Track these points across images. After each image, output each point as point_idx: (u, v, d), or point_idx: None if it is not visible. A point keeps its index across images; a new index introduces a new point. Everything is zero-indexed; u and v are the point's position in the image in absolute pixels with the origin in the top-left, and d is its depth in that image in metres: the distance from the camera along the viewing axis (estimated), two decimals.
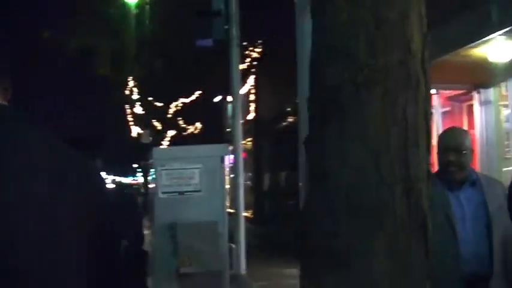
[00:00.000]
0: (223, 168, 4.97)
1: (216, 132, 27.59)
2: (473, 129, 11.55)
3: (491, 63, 8.90)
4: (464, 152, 3.35)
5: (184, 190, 4.79)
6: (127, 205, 3.66)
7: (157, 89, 25.16)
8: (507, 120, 12.01)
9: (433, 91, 9.86)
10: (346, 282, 1.82)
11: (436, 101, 11.57)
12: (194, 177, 4.84)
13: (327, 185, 1.86)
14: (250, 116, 23.64)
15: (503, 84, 11.38)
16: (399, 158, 1.82)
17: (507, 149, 11.80)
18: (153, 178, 5.46)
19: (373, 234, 1.81)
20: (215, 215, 4.79)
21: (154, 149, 5.16)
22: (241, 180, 7.47)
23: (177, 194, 4.71)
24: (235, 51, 8.29)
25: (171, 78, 22.19)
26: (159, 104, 27.97)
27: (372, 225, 1.81)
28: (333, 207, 1.84)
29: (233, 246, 5.32)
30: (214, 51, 23.33)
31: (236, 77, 8.27)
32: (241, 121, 22.16)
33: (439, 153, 3.41)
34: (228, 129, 26.91)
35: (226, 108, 27.02)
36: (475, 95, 11.53)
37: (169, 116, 28.55)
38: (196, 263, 4.54)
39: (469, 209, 3.34)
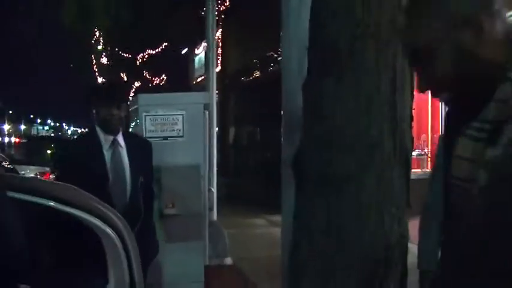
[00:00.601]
0: (205, 115, 5.21)
1: (182, 84, 27.65)
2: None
3: None
4: None
5: (168, 135, 5.02)
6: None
7: (124, 40, 24.99)
8: None
9: None
10: (337, 204, 2.13)
11: None
12: (177, 123, 5.08)
13: (324, 124, 2.15)
14: (217, 69, 23.72)
15: None
16: (388, 100, 2.13)
17: None
18: (135, 124, 5.64)
19: (364, 167, 2.12)
20: (196, 159, 5.05)
21: (140, 95, 5.33)
22: (214, 131, 7.69)
23: (161, 138, 4.93)
24: (210, 3, 8.42)
25: (138, 29, 22.05)
26: (125, 55, 27.81)
27: (363, 160, 2.12)
28: (329, 144, 2.14)
29: (212, 189, 5.60)
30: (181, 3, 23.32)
31: (211, 26, 8.40)
32: (217, 70, 22.29)
33: None
34: (194, 82, 27.02)
35: (193, 60, 27.04)
36: None
37: (135, 67, 28.43)
38: (179, 205, 4.81)
39: None
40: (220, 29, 23.28)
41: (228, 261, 6.69)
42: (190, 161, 5.00)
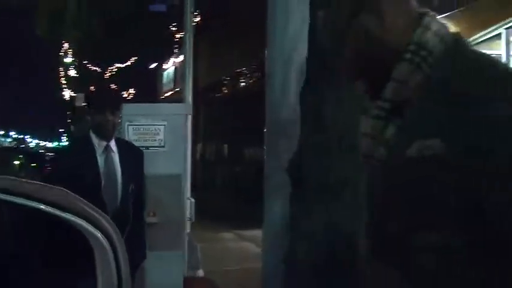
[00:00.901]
0: (186, 126, 5.29)
1: (149, 98, 27.62)
2: None
3: None
4: None
5: (150, 145, 5.08)
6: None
7: (95, 53, 24.93)
8: None
9: None
10: (336, 209, 2.23)
11: None
12: (159, 133, 5.14)
13: (324, 128, 2.26)
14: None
15: None
16: None
17: None
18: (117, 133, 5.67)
19: (361, 171, 2.22)
20: (177, 169, 5.12)
21: (124, 105, 5.38)
22: (189, 145, 7.71)
23: (143, 148, 5.00)
24: (189, 18, 8.49)
25: (108, 42, 22.05)
26: (94, 68, 27.71)
27: (361, 165, 2.22)
28: (329, 146, 2.25)
29: (192, 200, 5.66)
30: (151, 17, 23.35)
31: (189, 43, 8.46)
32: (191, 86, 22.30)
33: None
34: (162, 96, 27.00)
35: (161, 75, 27.06)
36: None
37: (103, 80, 28.33)
38: (160, 214, 4.86)
39: None
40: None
41: (200, 273, 6.73)
42: (172, 171, 5.07)
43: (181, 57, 24.12)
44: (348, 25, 1.37)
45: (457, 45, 1.36)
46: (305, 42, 3.01)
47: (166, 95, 26.11)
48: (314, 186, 2.27)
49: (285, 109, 2.61)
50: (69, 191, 2.90)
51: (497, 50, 8.53)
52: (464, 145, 1.15)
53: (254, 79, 17.77)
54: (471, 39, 7.33)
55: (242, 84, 19.01)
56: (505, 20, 7.85)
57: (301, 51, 2.92)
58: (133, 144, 4.37)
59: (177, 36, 26.17)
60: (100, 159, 3.83)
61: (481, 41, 8.56)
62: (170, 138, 5.15)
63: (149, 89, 27.86)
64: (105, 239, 3.01)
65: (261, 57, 14.65)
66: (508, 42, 7.93)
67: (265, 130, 3.20)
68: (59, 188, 3.10)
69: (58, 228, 2.99)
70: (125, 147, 4.01)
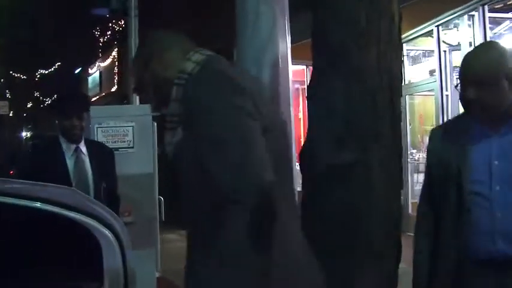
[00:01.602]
0: (154, 127, 5.42)
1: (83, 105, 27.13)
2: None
3: None
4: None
5: (119, 146, 5.20)
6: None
7: (18, 59, 24.33)
8: None
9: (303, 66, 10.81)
10: (348, 190, 2.50)
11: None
12: (128, 134, 5.26)
13: (334, 119, 2.52)
14: (113, 89, 23.57)
15: None
16: (387, 98, 2.54)
17: None
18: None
19: (370, 152, 2.51)
20: (148, 169, 5.26)
21: (92, 108, 5.45)
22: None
23: (114, 150, 5.10)
24: (133, 22, 8.58)
25: (32, 48, 21.61)
26: (17, 75, 27.01)
27: (369, 147, 2.51)
28: (339, 136, 2.51)
29: (161, 198, 5.80)
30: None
31: (134, 46, 8.54)
32: (112, 90, 21.87)
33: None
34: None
35: (86, 80, 26.67)
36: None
37: (28, 87, 27.67)
38: (135, 213, 4.99)
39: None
40: (116, 48, 23.23)
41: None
42: (143, 170, 5.21)
43: (107, 62, 23.92)
44: (144, 70, 2.04)
45: (206, 64, 1.93)
46: (275, 43, 3.26)
47: (93, 99, 25.79)
48: (326, 169, 2.52)
49: None
50: (77, 190, 3.03)
51: (429, 47, 9.10)
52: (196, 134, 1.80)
53: None
54: (404, 35, 7.78)
55: None
56: (436, 17, 8.37)
57: (272, 51, 3.16)
58: (103, 144, 4.47)
59: (102, 40, 25.97)
60: (70, 162, 3.91)
61: (414, 38, 9.10)
62: (139, 138, 5.28)
63: (84, 97, 27.40)
64: (112, 235, 3.14)
65: None
66: (439, 39, 8.47)
67: None
68: (66, 187, 3.23)
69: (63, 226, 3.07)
70: (95, 147, 4.11)
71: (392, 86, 2.56)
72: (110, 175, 4.04)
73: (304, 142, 2.73)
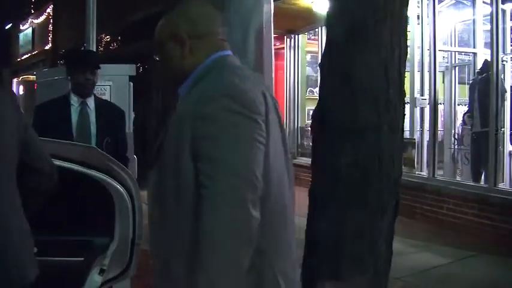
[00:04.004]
0: (130, 87, 5.54)
1: (3, 61, 26.39)
2: (283, 71, 13.04)
3: (312, 12, 10.22)
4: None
5: None
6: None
7: None
8: (309, 65, 13.73)
9: None
10: (362, 146, 2.80)
11: None
12: (105, 93, 5.38)
13: (351, 84, 2.80)
14: (47, 46, 23.02)
15: (310, 32, 12.98)
16: (397, 69, 2.84)
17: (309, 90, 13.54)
18: None
19: (382, 118, 2.81)
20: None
21: None
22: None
23: None
24: None
25: None
26: None
27: (381, 112, 2.81)
28: (355, 100, 2.80)
29: (135, 157, 5.93)
30: None
31: (91, 6, 8.44)
32: (46, 47, 21.30)
33: None
34: (19, 59, 25.85)
35: (17, 37, 25.89)
36: (286, 40, 12.97)
37: None
38: None
39: None
40: (52, 5, 22.66)
41: None
42: None
43: (40, 18, 23.28)
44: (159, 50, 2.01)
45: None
46: (260, 10, 3.50)
47: (24, 57, 25.11)
48: (341, 129, 2.81)
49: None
50: (97, 149, 3.18)
51: None
52: None
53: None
54: None
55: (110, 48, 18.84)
56: None
57: (257, 18, 3.40)
58: (114, 104, 4.61)
59: None
60: (74, 115, 4.07)
61: None
62: (116, 98, 5.40)
63: (3, 51, 26.56)
64: (125, 191, 3.29)
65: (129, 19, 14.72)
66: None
67: None
68: (88, 146, 3.36)
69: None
70: (105, 106, 4.28)
71: (400, 57, 2.87)
72: (117, 134, 4.20)
73: (316, 108, 2.99)
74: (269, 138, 1.77)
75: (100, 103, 4.23)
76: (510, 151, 8.54)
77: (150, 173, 1.92)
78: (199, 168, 1.69)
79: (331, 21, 2.92)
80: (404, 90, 2.94)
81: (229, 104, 1.70)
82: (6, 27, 26.34)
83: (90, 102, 4.13)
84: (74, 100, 4.08)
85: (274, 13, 3.48)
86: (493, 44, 7.58)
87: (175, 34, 1.93)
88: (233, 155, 1.67)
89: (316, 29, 11.93)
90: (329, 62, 2.91)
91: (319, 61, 3.01)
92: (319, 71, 3.02)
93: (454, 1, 9.91)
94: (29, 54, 24.55)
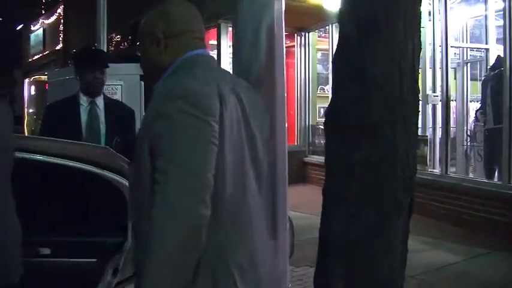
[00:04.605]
0: (142, 86, 5.54)
1: (14, 61, 26.52)
2: (293, 69, 13.00)
3: (322, 9, 10.18)
4: None
5: None
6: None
7: None
8: (319, 63, 13.68)
9: None
10: (375, 143, 2.76)
11: None
12: (116, 93, 5.38)
13: (364, 80, 2.77)
14: (58, 46, 23.11)
15: (320, 29, 12.93)
16: (411, 65, 2.80)
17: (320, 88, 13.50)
18: None
19: (395, 115, 2.77)
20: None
21: None
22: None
23: None
24: None
25: None
26: None
27: (395, 109, 2.77)
28: (368, 97, 2.77)
29: None
30: None
31: (102, 5, 8.44)
32: (57, 47, 21.39)
33: None
34: (30, 59, 25.95)
35: (28, 37, 25.99)
36: (296, 38, 12.94)
37: None
38: None
39: None
40: (62, 6, 22.73)
41: None
42: None
43: (51, 19, 23.35)
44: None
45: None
46: (272, 7, 3.46)
47: (35, 58, 25.20)
48: (354, 126, 2.78)
49: (255, 66, 3.04)
50: (110, 149, 3.18)
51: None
52: None
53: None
54: None
55: (122, 47, 18.91)
56: None
57: (269, 15, 3.36)
58: (123, 103, 4.61)
59: None
60: (83, 114, 4.08)
61: None
62: (127, 97, 5.40)
63: (14, 52, 26.68)
64: None
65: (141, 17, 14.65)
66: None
67: None
68: (102, 147, 3.35)
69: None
70: (114, 105, 4.27)
71: (414, 53, 2.83)
72: (127, 133, 4.17)
73: (329, 105, 2.96)
74: (224, 138, 1.85)
75: (109, 102, 4.23)
76: None
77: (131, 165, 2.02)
78: (154, 165, 1.77)
79: (344, 17, 2.89)
80: (418, 86, 2.90)
81: (183, 106, 1.79)
82: (18, 28, 26.45)
83: (100, 101, 4.13)
84: (83, 100, 4.08)
85: (284, 10, 3.45)
86: (506, 40, 7.51)
87: (152, 32, 2.06)
88: (187, 155, 1.74)
89: (327, 27, 11.90)
90: (341, 59, 2.87)
91: (331, 58, 2.98)
92: (331, 68, 2.99)
93: None
94: (40, 55, 24.66)
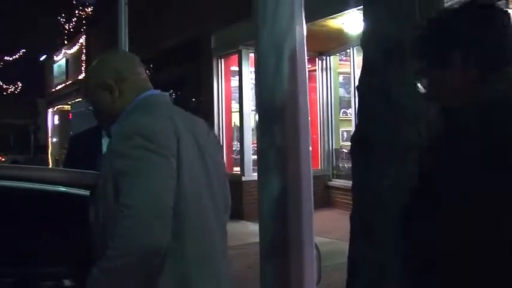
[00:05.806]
0: None
1: (39, 92, 26.91)
2: (315, 93, 12.96)
3: (343, 33, 10.17)
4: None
5: None
6: None
7: None
8: (341, 86, 13.64)
9: None
10: (403, 169, 2.70)
11: None
12: None
13: (390, 104, 2.72)
14: (80, 76, 23.39)
15: (341, 53, 12.91)
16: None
17: (343, 111, 13.43)
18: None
19: (422, 137, 2.72)
20: None
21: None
22: None
23: None
24: (123, 9, 8.56)
25: None
26: None
27: (422, 132, 2.72)
28: (394, 119, 2.72)
29: None
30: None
31: (123, 36, 8.54)
32: (80, 77, 21.66)
33: None
34: (53, 89, 26.32)
35: (51, 68, 26.35)
36: (318, 62, 12.91)
37: None
38: None
39: None
40: (84, 36, 23.06)
41: None
42: None
43: (73, 49, 23.69)
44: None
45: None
46: (293, 31, 3.43)
47: (58, 88, 25.53)
48: (382, 150, 2.73)
49: (278, 94, 3.01)
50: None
51: None
52: None
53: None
54: None
55: None
56: None
57: (291, 41, 3.33)
58: None
59: (67, 27, 25.68)
60: (105, 145, 4.10)
61: None
62: None
63: (38, 83, 27.10)
64: None
65: (161, 46, 14.87)
66: None
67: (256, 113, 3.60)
68: (92, 172, 3.34)
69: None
70: None
71: None
72: None
73: (356, 130, 2.92)
74: (183, 172, 1.92)
75: None
76: None
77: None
78: (119, 200, 1.84)
79: (367, 41, 2.85)
80: None
81: (140, 141, 1.86)
82: (41, 59, 26.84)
83: None
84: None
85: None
86: None
87: (102, 82, 2.11)
88: (145, 190, 1.81)
89: (348, 50, 11.84)
90: (367, 83, 2.84)
91: (353, 82, 2.95)
92: (354, 92, 2.95)
93: None
94: (63, 85, 24.94)
